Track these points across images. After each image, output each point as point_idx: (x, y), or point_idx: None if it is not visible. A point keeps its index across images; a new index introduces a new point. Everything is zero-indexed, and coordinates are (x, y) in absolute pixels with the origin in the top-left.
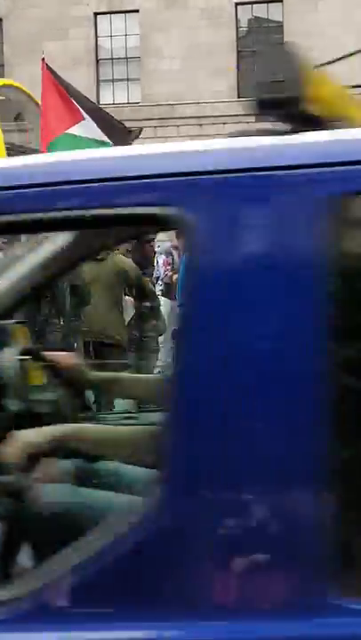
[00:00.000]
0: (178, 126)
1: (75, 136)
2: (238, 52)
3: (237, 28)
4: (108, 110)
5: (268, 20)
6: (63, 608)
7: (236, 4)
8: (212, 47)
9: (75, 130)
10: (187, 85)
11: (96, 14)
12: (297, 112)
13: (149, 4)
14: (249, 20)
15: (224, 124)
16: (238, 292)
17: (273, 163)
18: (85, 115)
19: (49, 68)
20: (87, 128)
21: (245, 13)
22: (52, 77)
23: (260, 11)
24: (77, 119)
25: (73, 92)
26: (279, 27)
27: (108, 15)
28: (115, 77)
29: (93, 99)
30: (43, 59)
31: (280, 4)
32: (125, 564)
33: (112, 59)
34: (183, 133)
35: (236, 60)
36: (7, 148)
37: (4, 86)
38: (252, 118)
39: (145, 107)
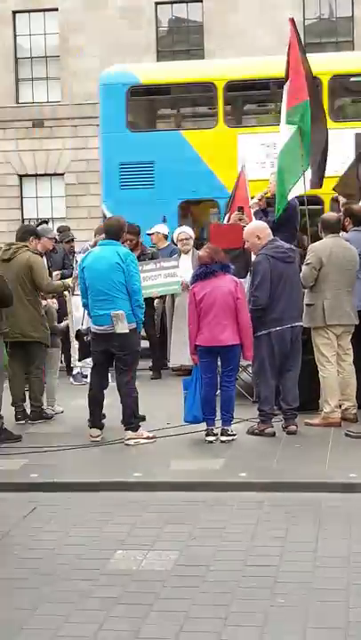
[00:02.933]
0: (97, 126)
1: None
2: (158, 51)
3: (157, 28)
4: (26, 109)
5: (187, 21)
6: None
7: (156, 4)
8: (132, 47)
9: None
10: None
11: (14, 12)
12: None
13: (69, 3)
14: (169, 20)
15: None
16: None
17: None
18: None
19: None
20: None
21: (165, 13)
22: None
23: (180, 11)
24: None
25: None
26: (199, 27)
27: (27, 14)
28: (34, 76)
29: (12, 97)
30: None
31: (200, 4)
32: None
33: (31, 57)
34: None
35: (156, 59)
36: None
37: None
38: None
39: (65, 105)
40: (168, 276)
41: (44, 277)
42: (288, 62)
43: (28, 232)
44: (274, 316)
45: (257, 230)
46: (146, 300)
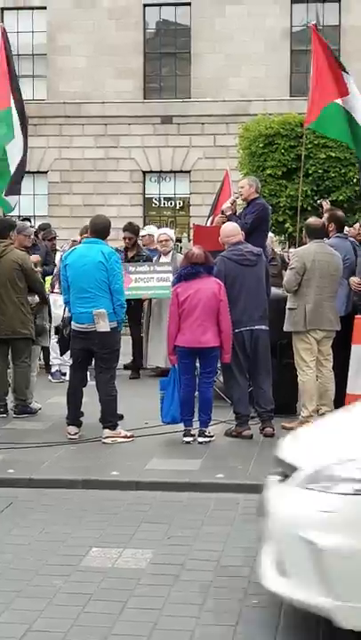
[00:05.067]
0: (83, 125)
1: (341, 107)
2: (145, 53)
3: (145, 30)
4: None
5: (175, 24)
6: None
7: (144, 6)
8: (119, 48)
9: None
10: (93, 85)
11: (3, 9)
12: None
13: (57, 2)
14: (157, 22)
15: (129, 124)
16: None
17: None
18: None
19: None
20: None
21: (153, 15)
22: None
23: (168, 13)
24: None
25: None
26: (187, 30)
27: (15, 11)
28: (21, 73)
29: None
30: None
31: (188, 7)
32: None
33: (18, 55)
34: (88, 132)
35: (143, 61)
36: None
37: None
38: (158, 119)
39: (51, 104)
40: (161, 280)
41: (39, 280)
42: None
43: (6, 227)
44: (232, 319)
45: (223, 232)
46: (135, 300)
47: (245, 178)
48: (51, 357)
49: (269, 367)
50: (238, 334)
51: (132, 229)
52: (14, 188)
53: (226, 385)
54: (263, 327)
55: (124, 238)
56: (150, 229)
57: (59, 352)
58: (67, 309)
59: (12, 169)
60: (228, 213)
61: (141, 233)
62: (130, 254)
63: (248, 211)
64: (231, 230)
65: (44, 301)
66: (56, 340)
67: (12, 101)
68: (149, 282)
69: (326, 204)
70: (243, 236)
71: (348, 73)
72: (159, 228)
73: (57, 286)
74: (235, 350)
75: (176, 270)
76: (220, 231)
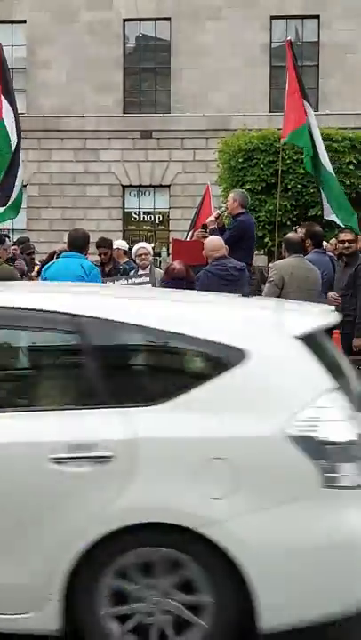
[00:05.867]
0: (62, 139)
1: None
2: (125, 68)
3: (125, 45)
4: None
5: (155, 38)
6: None
7: (124, 21)
8: (99, 62)
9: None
10: (73, 99)
11: None
12: None
13: (37, 16)
14: (137, 37)
15: (109, 138)
16: None
17: None
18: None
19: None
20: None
21: (133, 30)
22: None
23: (148, 28)
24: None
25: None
26: (166, 45)
27: None
28: None
29: None
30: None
31: (168, 22)
32: None
33: None
34: (68, 146)
35: (123, 76)
36: None
37: None
38: (137, 134)
39: (30, 117)
40: None
41: None
42: (287, 84)
43: None
44: None
45: (207, 246)
46: None
47: (232, 191)
48: None
49: None
50: None
51: (105, 244)
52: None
53: None
54: None
55: (100, 254)
56: (120, 243)
57: None
58: None
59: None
60: (210, 227)
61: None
62: (107, 269)
63: (230, 226)
64: (216, 245)
65: None
66: None
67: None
68: None
69: (301, 230)
70: (226, 250)
71: (308, 102)
72: (138, 242)
73: None
74: None
75: (155, 284)
76: (205, 244)
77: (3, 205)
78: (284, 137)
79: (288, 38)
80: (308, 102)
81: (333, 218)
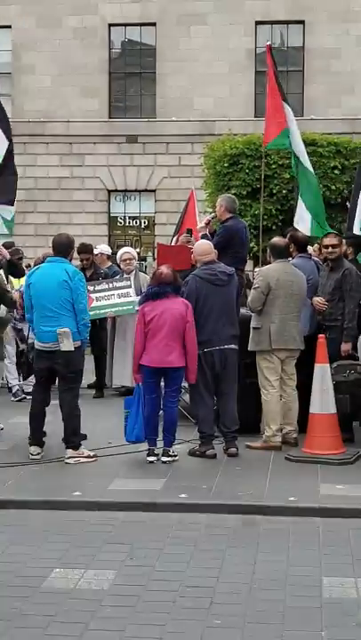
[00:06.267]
0: (48, 144)
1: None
2: (110, 73)
3: (110, 50)
4: None
5: (140, 43)
6: None
7: (110, 26)
8: (85, 67)
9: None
10: (58, 104)
11: None
12: None
13: (22, 21)
14: (122, 42)
15: (94, 143)
16: None
17: None
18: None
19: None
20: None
21: (118, 35)
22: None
23: (134, 33)
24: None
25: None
26: (152, 50)
27: None
28: None
29: None
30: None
31: (153, 27)
32: None
33: None
34: (53, 151)
35: (108, 81)
36: None
37: None
38: (123, 139)
39: (15, 122)
40: (122, 296)
41: (11, 298)
42: (268, 89)
43: None
44: (202, 338)
45: (197, 250)
46: (100, 320)
47: (219, 197)
48: (8, 379)
49: (236, 387)
50: (208, 354)
51: (86, 250)
52: None
53: (192, 403)
54: (233, 346)
55: (81, 260)
56: (103, 248)
57: (14, 372)
58: (30, 334)
59: None
60: (200, 233)
61: (95, 252)
62: (88, 273)
63: (217, 232)
64: (205, 249)
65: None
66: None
67: None
68: (110, 299)
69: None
70: (216, 255)
71: (288, 103)
72: (123, 246)
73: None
74: (203, 369)
75: (140, 289)
76: (194, 248)
77: (10, 205)
78: (266, 144)
79: (268, 42)
80: (288, 104)
81: (303, 227)
